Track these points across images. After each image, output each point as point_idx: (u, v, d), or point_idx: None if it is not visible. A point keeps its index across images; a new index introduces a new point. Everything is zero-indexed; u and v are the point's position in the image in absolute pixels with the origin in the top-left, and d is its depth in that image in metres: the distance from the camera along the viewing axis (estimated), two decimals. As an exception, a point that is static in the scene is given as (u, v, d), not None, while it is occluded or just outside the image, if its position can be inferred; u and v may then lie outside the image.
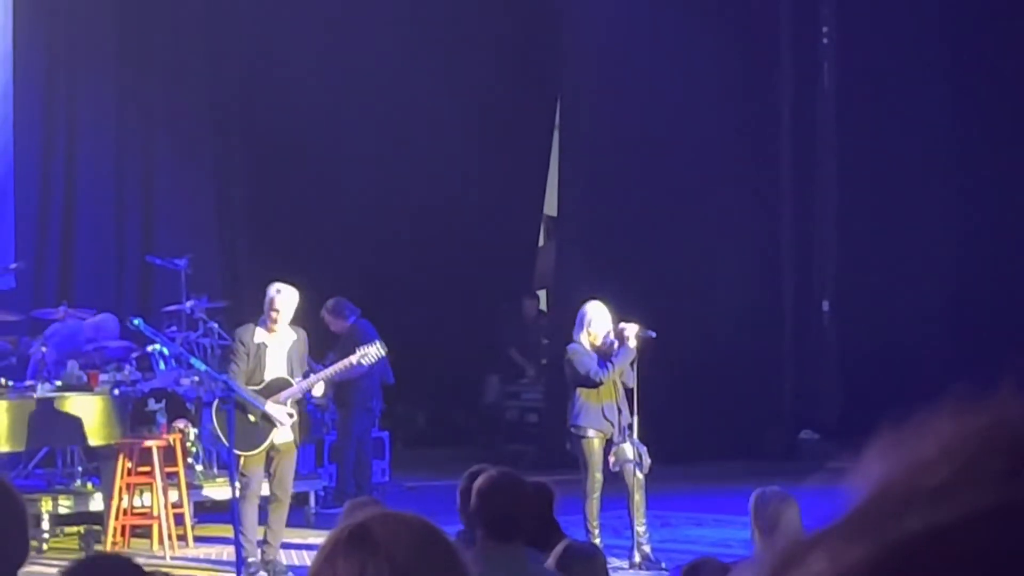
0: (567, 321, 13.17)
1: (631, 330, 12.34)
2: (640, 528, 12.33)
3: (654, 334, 12.49)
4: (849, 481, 0.86)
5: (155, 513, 13.16)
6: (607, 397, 12.35)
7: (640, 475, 12.25)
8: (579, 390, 12.39)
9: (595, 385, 12.27)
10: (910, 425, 0.87)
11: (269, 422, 12.05)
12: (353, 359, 12.58)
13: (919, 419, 0.87)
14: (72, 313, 14.86)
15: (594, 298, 12.71)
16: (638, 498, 12.25)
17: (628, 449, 12.26)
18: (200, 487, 14.08)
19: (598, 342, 12.40)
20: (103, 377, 13.87)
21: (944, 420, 0.86)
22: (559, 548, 6.13)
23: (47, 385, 13.59)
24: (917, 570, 0.82)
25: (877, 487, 0.85)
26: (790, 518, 7.33)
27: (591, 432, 12.35)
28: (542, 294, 20.55)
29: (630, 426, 12.31)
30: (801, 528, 7.18)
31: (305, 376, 12.28)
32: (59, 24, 17.17)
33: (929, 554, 0.82)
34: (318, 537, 12.60)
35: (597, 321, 12.46)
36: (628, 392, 12.36)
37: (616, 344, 12.35)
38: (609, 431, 12.34)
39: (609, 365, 12.26)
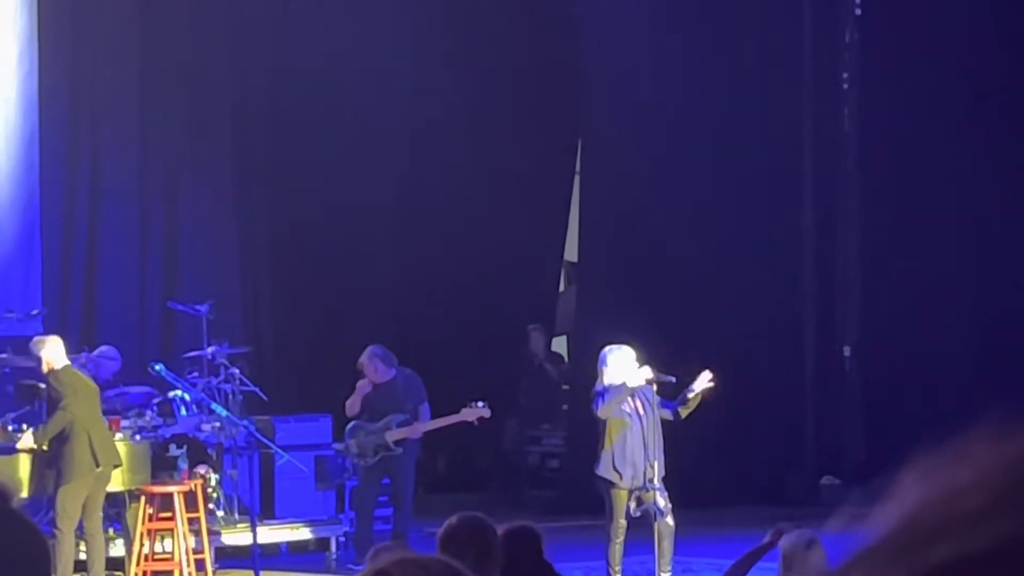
0: (588, 366, 13.14)
1: (643, 374, 12.27)
2: (665, 574, 12.29)
3: (673, 379, 12.47)
4: (883, 506, 0.86)
5: (176, 559, 13.14)
6: (633, 445, 12.30)
7: (670, 522, 12.21)
8: (605, 438, 12.35)
9: (602, 419, 12.28)
10: (945, 451, 0.86)
11: None
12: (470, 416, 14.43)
13: (954, 446, 0.86)
14: (92, 358, 14.87)
15: (617, 343, 12.64)
16: (666, 545, 12.21)
17: (653, 496, 12.22)
18: (220, 533, 14.06)
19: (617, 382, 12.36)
20: (125, 423, 13.88)
21: (979, 447, 0.86)
22: None
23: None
24: None
25: (911, 513, 0.84)
26: (815, 561, 7.30)
27: (616, 479, 12.31)
28: (562, 339, 20.51)
29: (653, 472, 12.26)
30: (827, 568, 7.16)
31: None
32: (82, 71, 17.24)
33: None
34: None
35: (611, 367, 12.40)
36: (652, 438, 12.32)
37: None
38: (635, 481, 12.29)
39: (600, 400, 12.26)
